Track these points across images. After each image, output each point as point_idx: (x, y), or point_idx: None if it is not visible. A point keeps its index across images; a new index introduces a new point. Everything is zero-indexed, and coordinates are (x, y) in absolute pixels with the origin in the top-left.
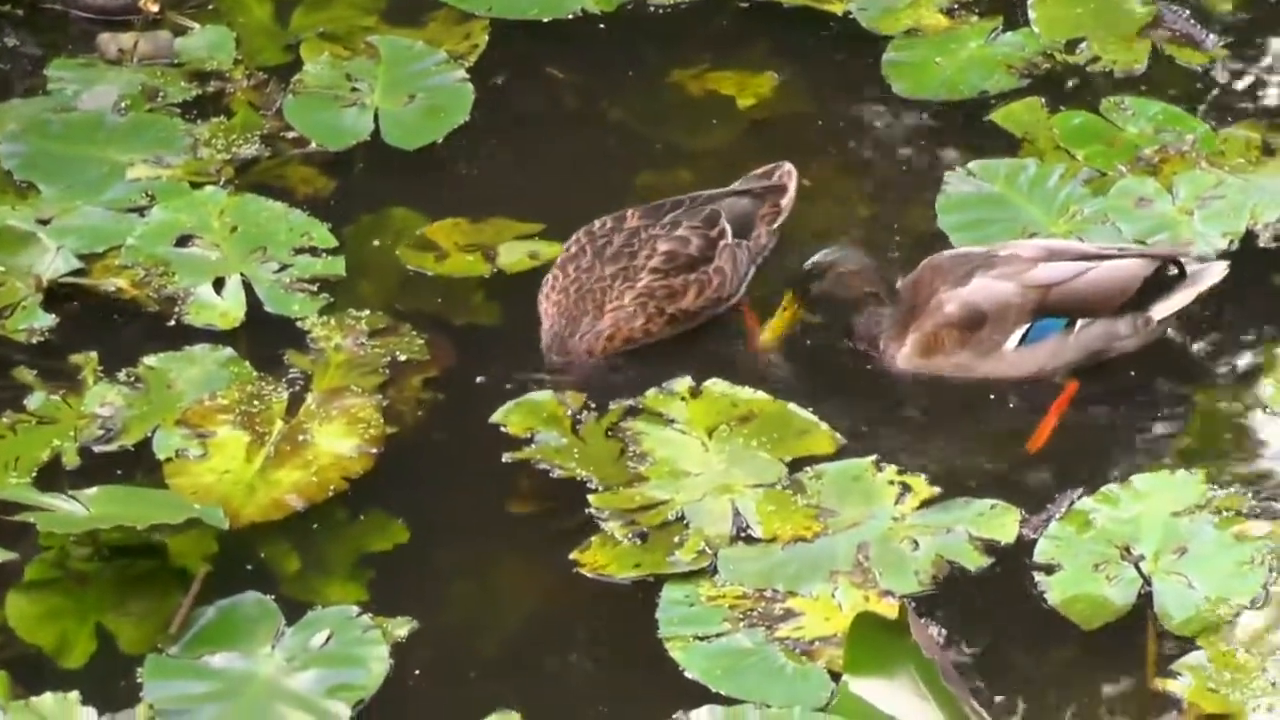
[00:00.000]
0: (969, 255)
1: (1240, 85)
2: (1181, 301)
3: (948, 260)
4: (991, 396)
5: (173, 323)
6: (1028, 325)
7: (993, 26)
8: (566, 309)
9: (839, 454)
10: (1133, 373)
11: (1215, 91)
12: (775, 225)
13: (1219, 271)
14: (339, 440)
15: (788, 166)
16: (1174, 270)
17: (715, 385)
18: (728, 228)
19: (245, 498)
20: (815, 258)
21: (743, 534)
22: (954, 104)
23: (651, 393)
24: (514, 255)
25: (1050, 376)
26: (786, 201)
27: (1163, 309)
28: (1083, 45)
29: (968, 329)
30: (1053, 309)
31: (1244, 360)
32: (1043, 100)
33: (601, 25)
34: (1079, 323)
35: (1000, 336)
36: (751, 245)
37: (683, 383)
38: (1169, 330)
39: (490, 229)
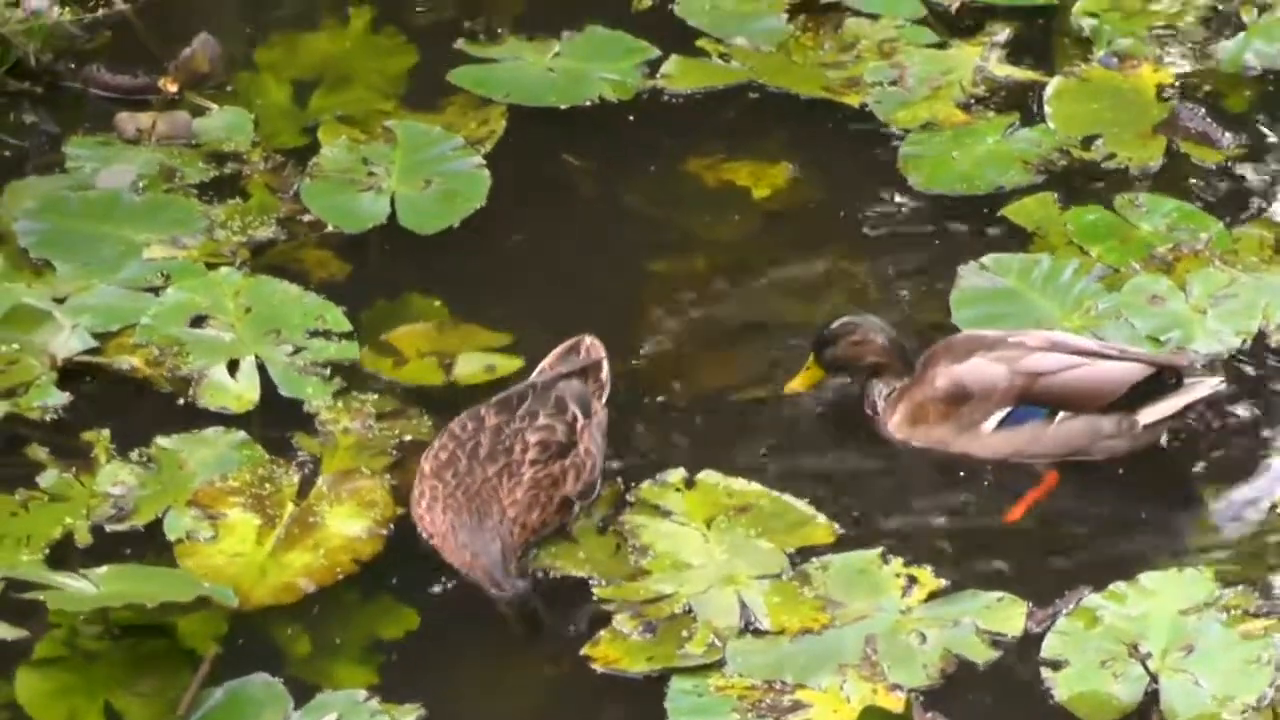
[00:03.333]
0: (982, 337)
1: (1255, 184)
2: (1170, 409)
3: (961, 339)
4: (997, 485)
5: (186, 402)
6: (1009, 409)
7: (1009, 122)
8: (462, 509)
9: (839, 543)
10: (1121, 470)
11: (1229, 190)
12: (604, 399)
13: (1213, 385)
14: (349, 522)
15: (589, 340)
16: (1171, 379)
17: (709, 476)
18: (578, 411)
19: (256, 580)
20: (833, 324)
21: (751, 626)
22: (969, 198)
23: (646, 485)
24: (470, 366)
25: (1028, 463)
26: (606, 375)
27: (1150, 414)
28: (1098, 142)
29: (951, 404)
30: (1036, 398)
31: (1253, 458)
32: (1055, 195)
33: (619, 113)
34: (1060, 415)
35: (980, 416)
36: (597, 423)
37: (676, 474)
38: (1179, 426)
39: (455, 336)
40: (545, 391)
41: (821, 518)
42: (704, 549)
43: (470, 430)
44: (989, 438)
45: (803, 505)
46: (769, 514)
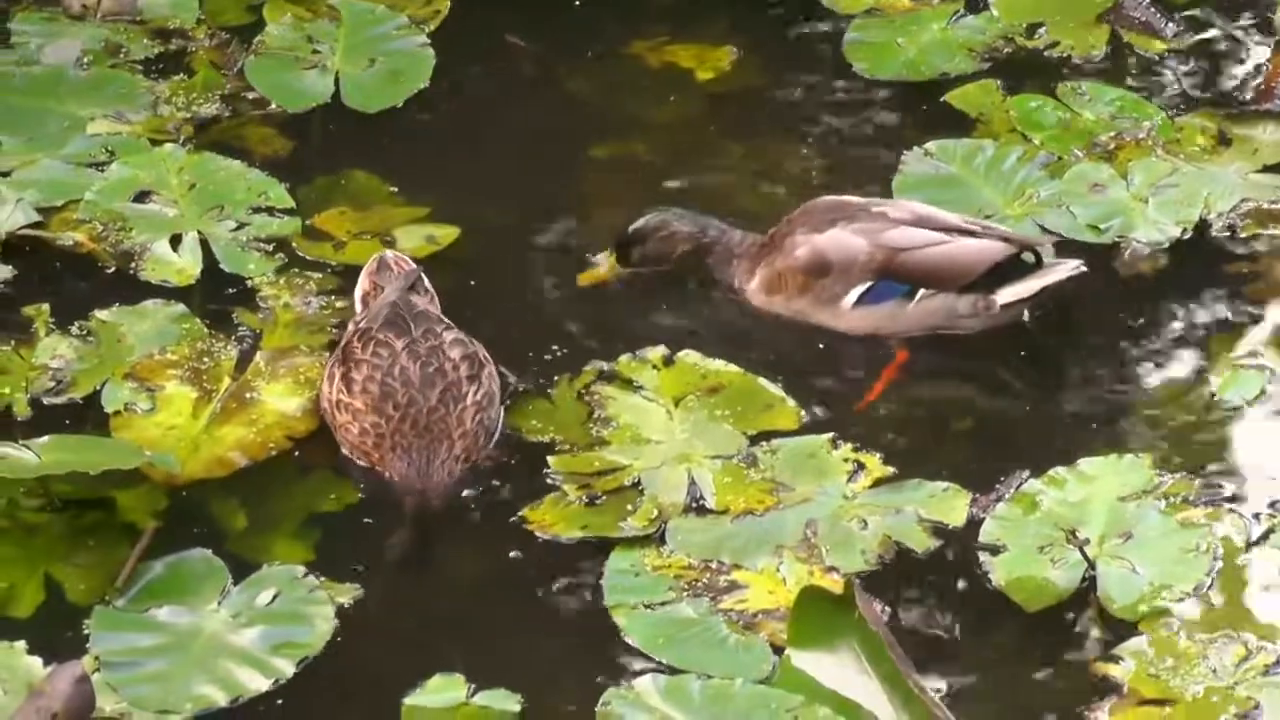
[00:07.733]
0: (843, 205)
1: (1198, 74)
2: (1026, 290)
3: (821, 205)
4: (959, 381)
5: (129, 277)
6: (870, 284)
7: (954, 9)
8: (415, 446)
9: (802, 430)
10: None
11: (1173, 80)
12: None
13: (1072, 267)
14: (285, 399)
15: (391, 255)
16: (1031, 259)
17: (688, 355)
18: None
19: (189, 453)
20: (635, 224)
21: (697, 504)
22: (913, 84)
23: (624, 359)
24: (413, 240)
25: (885, 340)
26: (426, 282)
27: (1007, 294)
28: (1042, 30)
29: (812, 276)
30: (897, 273)
31: (1193, 348)
32: (999, 83)
33: None
34: (920, 292)
35: (841, 289)
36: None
37: (656, 351)
38: (1119, 314)
39: (376, 215)
40: (413, 309)
41: (791, 401)
42: (666, 425)
43: (385, 356)
44: (849, 313)
45: (774, 388)
46: (739, 395)
